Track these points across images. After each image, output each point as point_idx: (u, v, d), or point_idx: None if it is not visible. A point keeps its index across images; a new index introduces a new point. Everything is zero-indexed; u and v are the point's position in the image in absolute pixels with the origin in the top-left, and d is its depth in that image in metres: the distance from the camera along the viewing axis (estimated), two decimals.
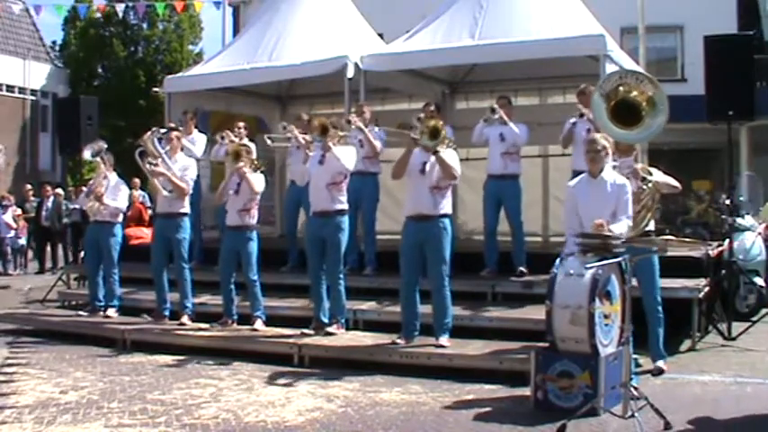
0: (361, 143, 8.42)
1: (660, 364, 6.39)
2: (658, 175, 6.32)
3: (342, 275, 7.44)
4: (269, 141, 9.25)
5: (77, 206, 11.87)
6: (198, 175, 9.49)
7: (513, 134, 8.25)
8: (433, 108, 8.57)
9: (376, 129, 8.73)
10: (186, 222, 8.31)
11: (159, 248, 8.33)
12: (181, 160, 8.40)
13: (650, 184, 6.25)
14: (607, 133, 6.17)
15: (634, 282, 6.28)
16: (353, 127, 8.25)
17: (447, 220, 6.78)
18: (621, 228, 5.67)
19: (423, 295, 6.96)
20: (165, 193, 8.17)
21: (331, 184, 7.33)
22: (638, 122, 5.90)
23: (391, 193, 10.24)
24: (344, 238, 7.39)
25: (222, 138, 9.50)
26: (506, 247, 8.50)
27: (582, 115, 7.97)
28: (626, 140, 6.12)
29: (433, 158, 6.65)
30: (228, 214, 7.85)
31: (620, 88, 5.89)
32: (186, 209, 8.30)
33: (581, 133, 7.93)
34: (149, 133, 8.29)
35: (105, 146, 8.94)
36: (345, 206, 7.43)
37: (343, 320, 7.51)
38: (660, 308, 6.35)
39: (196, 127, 9.86)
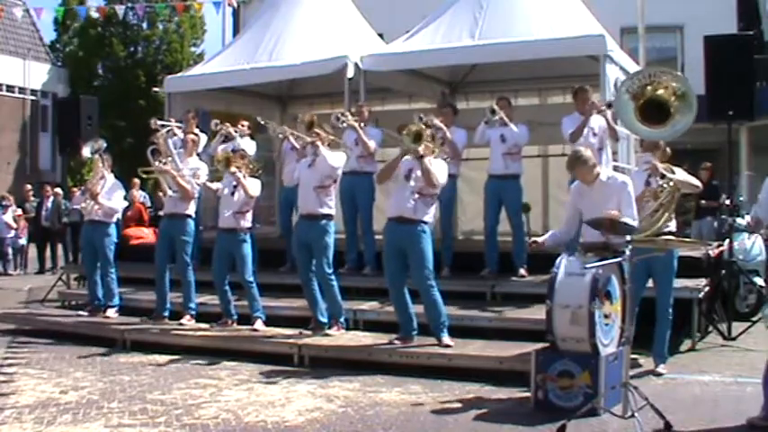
0: (356, 142, 8.45)
1: (661, 368, 6.39)
2: (680, 174, 6.30)
3: (332, 276, 7.42)
4: (262, 122, 9.31)
5: (77, 206, 11.88)
6: None
7: (515, 135, 8.24)
8: (446, 109, 8.58)
9: (374, 128, 8.75)
10: (191, 224, 8.30)
11: (163, 248, 8.33)
12: (192, 163, 8.41)
13: (670, 183, 6.23)
14: (633, 132, 6.15)
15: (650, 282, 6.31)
16: (345, 125, 8.26)
17: (426, 226, 6.74)
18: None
19: (416, 295, 6.94)
20: (170, 192, 8.19)
21: (319, 187, 7.33)
22: (667, 119, 5.87)
23: (390, 193, 10.23)
24: (329, 241, 7.38)
25: (217, 125, 9.51)
26: (506, 248, 8.50)
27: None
28: (652, 138, 6.11)
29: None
30: (223, 216, 7.86)
31: (648, 87, 5.85)
32: (191, 211, 8.31)
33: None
34: (164, 131, 8.31)
35: (105, 144, 8.95)
36: (332, 211, 7.44)
37: (342, 320, 7.51)
38: (671, 310, 6.37)
39: (198, 126, 9.87)
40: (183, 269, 8.23)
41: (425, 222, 6.73)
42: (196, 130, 9.74)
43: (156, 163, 8.19)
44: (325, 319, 7.46)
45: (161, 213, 8.59)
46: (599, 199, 5.87)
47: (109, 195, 8.72)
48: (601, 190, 5.91)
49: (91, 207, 8.72)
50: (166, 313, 8.35)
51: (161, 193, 8.72)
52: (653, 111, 5.87)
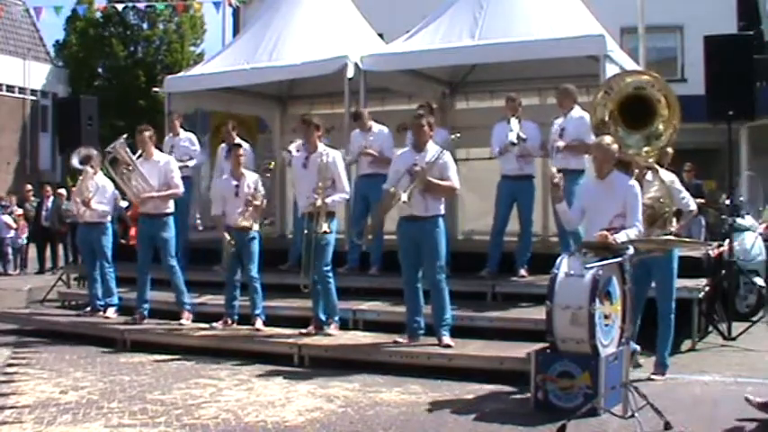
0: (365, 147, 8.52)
1: (658, 375, 6.25)
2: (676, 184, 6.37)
3: (330, 275, 7.42)
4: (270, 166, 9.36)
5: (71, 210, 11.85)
6: (189, 177, 9.52)
7: (528, 145, 8.20)
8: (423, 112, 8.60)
9: (385, 130, 8.76)
10: (171, 221, 8.33)
11: (145, 248, 8.35)
12: (160, 159, 8.35)
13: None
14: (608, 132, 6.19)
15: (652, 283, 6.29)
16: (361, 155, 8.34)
17: (440, 220, 6.82)
18: (632, 233, 5.70)
19: (425, 295, 6.96)
20: (145, 194, 8.16)
21: (318, 188, 7.33)
22: (645, 126, 5.95)
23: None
24: (330, 238, 7.37)
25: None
26: (507, 248, 8.49)
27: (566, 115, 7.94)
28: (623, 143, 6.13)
29: (423, 159, 6.71)
30: (231, 215, 7.84)
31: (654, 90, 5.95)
32: (171, 208, 8.34)
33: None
34: (121, 140, 8.22)
35: (95, 152, 8.86)
36: (332, 209, 7.43)
37: (337, 319, 7.51)
38: (672, 315, 6.27)
39: (182, 126, 9.87)
40: (169, 267, 8.25)
41: (439, 216, 6.78)
42: (180, 131, 9.75)
43: (120, 175, 8.14)
44: (325, 319, 7.48)
45: (140, 212, 8.52)
46: (605, 198, 5.91)
47: (101, 198, 8.70)
48: (608, 188, 5.94)
49: (83, 211, 8.71)
50: (146, 313, 8.35)
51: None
52: (636, 110, 5.95)
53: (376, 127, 8.85)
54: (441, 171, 6.75)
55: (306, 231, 7.35)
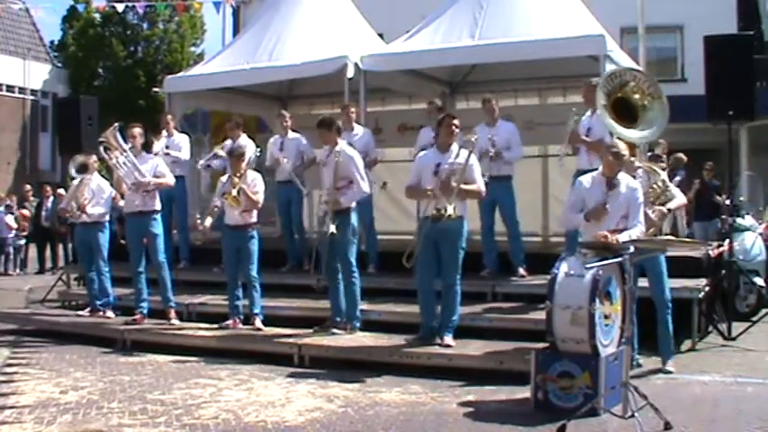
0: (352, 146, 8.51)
1: (669, 365, 6.33)
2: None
3: (356, 275, 7.41)
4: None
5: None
6: (183, 177, 9.51)
7: (502, 140, 8.15)
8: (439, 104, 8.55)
9: (368, 131, 8.77)
10: (159, 219, 8.34)
11: (136, 246, 8.34)
12: (148, 161, 8.34)
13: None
14: (607, 126, 6.22)
15: (643, 282, 6.30)
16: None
17: (462, 222, 6.79)
18: (635, 233, 5.76)
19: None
20: (128, 191, 8.15)
21: (335, 188, 7.33)
22: (634, 123, 6.00)
23: (390, 194, 10.27)
24: (350, 234, 7.34)
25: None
26: (506, 248, 8.48)
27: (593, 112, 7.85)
28: (626, 138, 6.17)
29: (448, 160, 6.70)
30: (228, 214, 7.84)
31: (630, 85, 5.98)
32: (158, 206, 8.33)
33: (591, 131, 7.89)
34: (111, 128, 8.22)
35: (92, 158, 8.81)
36: (350, 204, 7.40)
37: (357, 324, 7.46)
38: (669, 306, 6.33)
39: (175, 128, 9.86)
40: (159, 265, 8.25)
41: (460, 217, 6.74)
42: (174, 132, 9.75)
43: (112, 160, 8.11)
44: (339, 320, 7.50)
45: (125, 212, 8.52)
46: (613, 200, 5.97)
47: (97, 200, 8.69)
48: (614, 191, 6.00)
49: (79, 214, 8.70)
50: (145, 312, 8.35)
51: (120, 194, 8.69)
52: (623, 110, 6.00)
53: (358, 128, 8.83)
54: (467, 174, 6.69)
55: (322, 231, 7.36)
